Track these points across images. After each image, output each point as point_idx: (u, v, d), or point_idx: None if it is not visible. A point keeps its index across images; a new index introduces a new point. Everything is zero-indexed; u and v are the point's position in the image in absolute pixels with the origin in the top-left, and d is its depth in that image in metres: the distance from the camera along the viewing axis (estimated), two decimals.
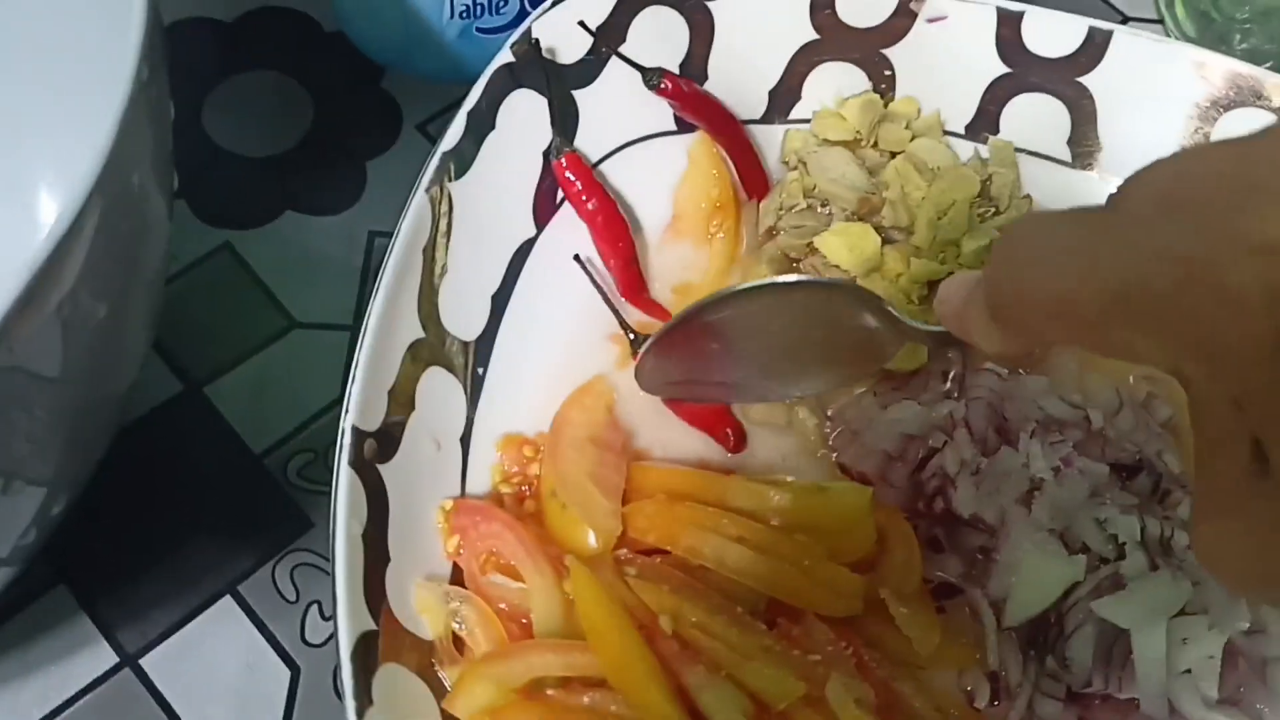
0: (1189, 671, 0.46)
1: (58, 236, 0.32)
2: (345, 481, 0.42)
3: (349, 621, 0.40)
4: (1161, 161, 0.28)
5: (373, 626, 0.41)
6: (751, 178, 0.57)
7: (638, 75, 0.54)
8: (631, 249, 0.53)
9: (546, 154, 0.53)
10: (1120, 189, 0.29)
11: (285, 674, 0.48)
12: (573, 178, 0.53)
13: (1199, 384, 0.27)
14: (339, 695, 0.46)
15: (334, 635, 0.47)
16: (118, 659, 0.47)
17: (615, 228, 0.53)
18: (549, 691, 0.42)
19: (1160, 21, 0.69)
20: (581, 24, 0.53)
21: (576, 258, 0.53)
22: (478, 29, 0.59)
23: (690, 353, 0.48)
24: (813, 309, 0.45)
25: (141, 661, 0.47)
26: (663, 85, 0.54)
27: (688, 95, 0.55)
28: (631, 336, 0.51)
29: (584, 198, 0.53)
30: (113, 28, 0.35)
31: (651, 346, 0.48)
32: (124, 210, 0.36)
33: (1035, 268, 0.29)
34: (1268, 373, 0.24)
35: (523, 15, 0.58)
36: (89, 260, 0.34)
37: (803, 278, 0.48)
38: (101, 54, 0.36)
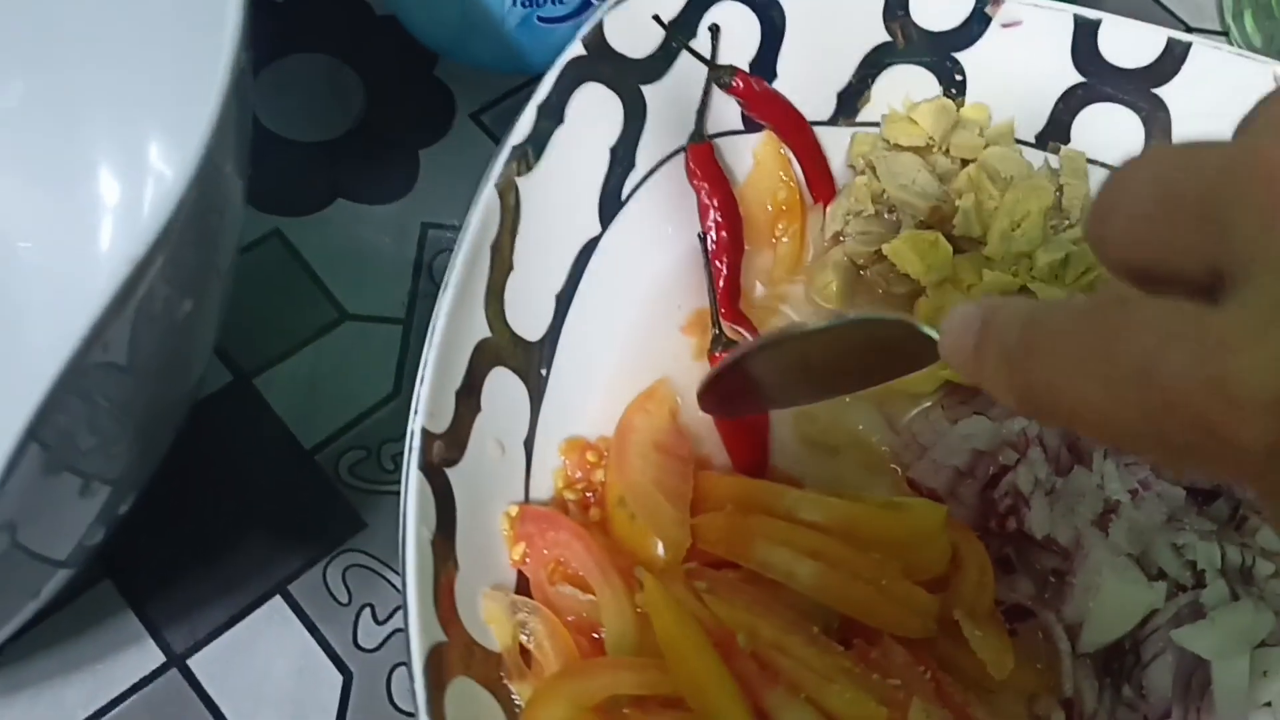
0: (1269, 704, 0.45)
1: (156, 231, 0.30)
2: (415, 486, 0.41)
3: (421, 633, 0.38)
4: (1128, 182, 0.27)
5: (443, 638, 0.39)
6: (818, 181, 0.55)
7: (707, 71, 0.53)
8: (741, 254, 0.52)
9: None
10: (1097, 221, 0.28)
11: (337, 679, 0.46)
12: (699, 169, 0.52)
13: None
14: (394, 703, 0.46)
15: (389, 640, 0.47)
16: (164, 659, 0.46)
17: (734, 229, 0.52)
18: (625, 711, 0.40)
19: (1225, 33, 0.68)
20: (655, 18, 0.51)
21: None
22: (539, 18, 0.57)
23: (745, 383, 0.47)
24: (858, 335, 0.43)
25: (189, 662, 0.46)
26: (733, 84, 0.53)
27: (758, 95, 0.54)
28: (716, 332, 0.50)
29: (707, 193, 0.52)
30: (206, 7, 0.34)
31: (710, 380, 0.46)
32: (211, 203, 0.35)
33: (1067, 388, 0.27)
34: None
35: (585, 6, 0.57)
36: (174, 254, 0.33)
37: (866, 315, 0.47)
38: (191, 32, 0.34)
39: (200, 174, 0.31)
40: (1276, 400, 0.23)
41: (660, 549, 0.45)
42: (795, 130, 0.55)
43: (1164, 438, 0.25)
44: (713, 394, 0.45)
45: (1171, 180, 0.26)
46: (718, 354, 0.49)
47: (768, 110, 0.54)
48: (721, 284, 0.52)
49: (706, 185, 0.53)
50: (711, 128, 0.54)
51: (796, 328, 0.44)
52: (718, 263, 0.53)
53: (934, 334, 0.36)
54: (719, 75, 0.53)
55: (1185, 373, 0.24)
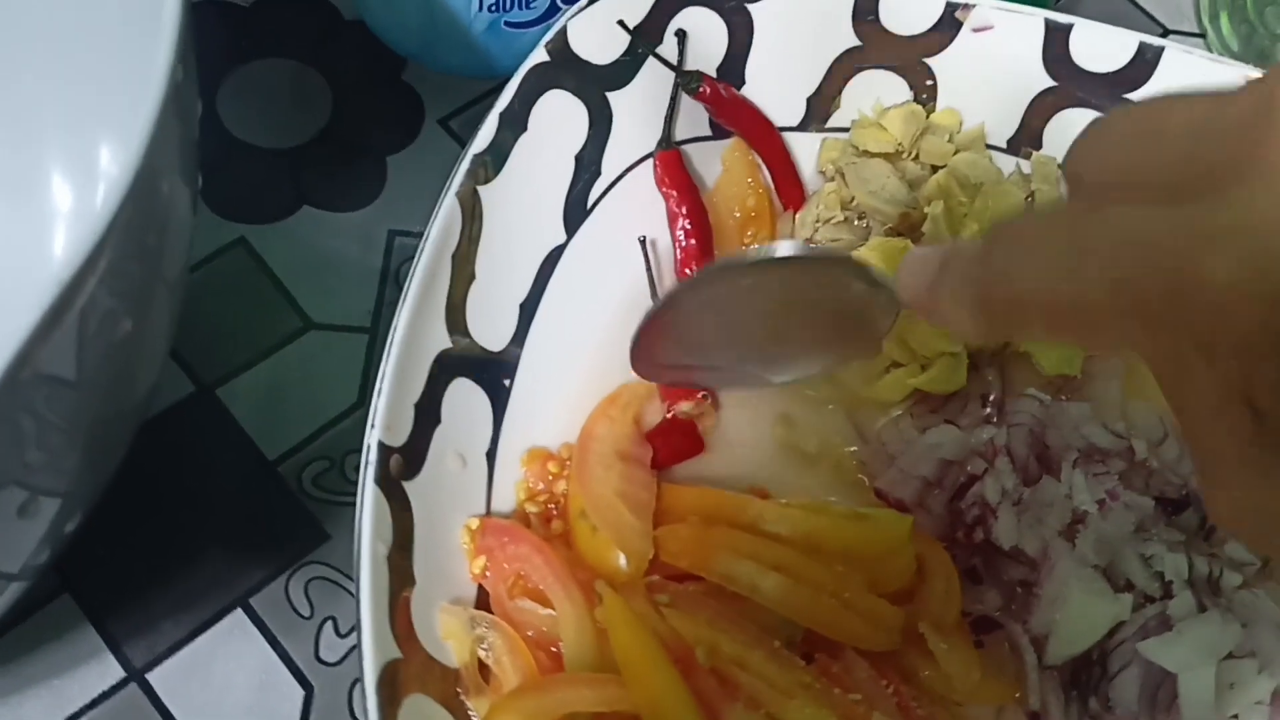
0: (1236, 717, 0.44)
1: (87, 248, 0.30)
2: (370, 500, 0.40)
3: (374, 650, 0.38)
4: (1112, 121, 0.29)
5: (398, 655, 0.39)
6: (787, 187, 0.55)
7: (673, 78, 0.53)
8: (712, 259, 0.52)
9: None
10: (1075, 159, 0.29)
11: (298, 693, 0.46)
12: (668, 177, 0.52)
13: (1197, 369, 0.26)
14: (354, 717, 0.45)
15: (352, 654, 0.46)
16: (124, 674, 0.45)
17: (703, 236, 0.52)
18: None
19: (1203, 35, 0.67)
20: (621, 23, 0.51)
21: (642, 240, 0.52)
22: (506, 23, 0.57)
23: (682, 334, 0.45)
24: (804, 283, 0.42)
25: (149, 676, 0.45)
26: (701, 89, 0.52)
27: (726, 100, 0.53)
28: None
29: (676, 200, 0.52)
30: (146, 23, 0.33)
31: (644, 326, 0.44)
32: (151, 217, 0.34)
33: (1029, 273, 0.28)
34: (1268, 364, 0.24)
35: (553, 10, 0.56)
36: (114, 267, 0.32)
37: (796, 251, 0.45)
38: (135, 50, 0.34)
39: (136, 186, 0.30)
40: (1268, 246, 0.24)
41: (622, 561, 0.44)
42: (764, 136, 0.54)
43: (1131, 309, 0.26)
44: (648, 347, 0.43)
45: (1158, 110, 0.27)
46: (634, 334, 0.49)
47: (736, 116, 0.54)
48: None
49: (675, 192, 0.53)
50: (680, 134, 0.54)
51: (733, 259, 0.42)
52: (687, 270, 0.52)
53: (887, 281, 0.36)
54: (686, 81, 0.53)
55: (1164, 238, 0.25)
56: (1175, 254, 0.25)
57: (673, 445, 0.49)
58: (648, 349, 0.43)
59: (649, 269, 0.52)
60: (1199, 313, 0.25)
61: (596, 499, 0.45)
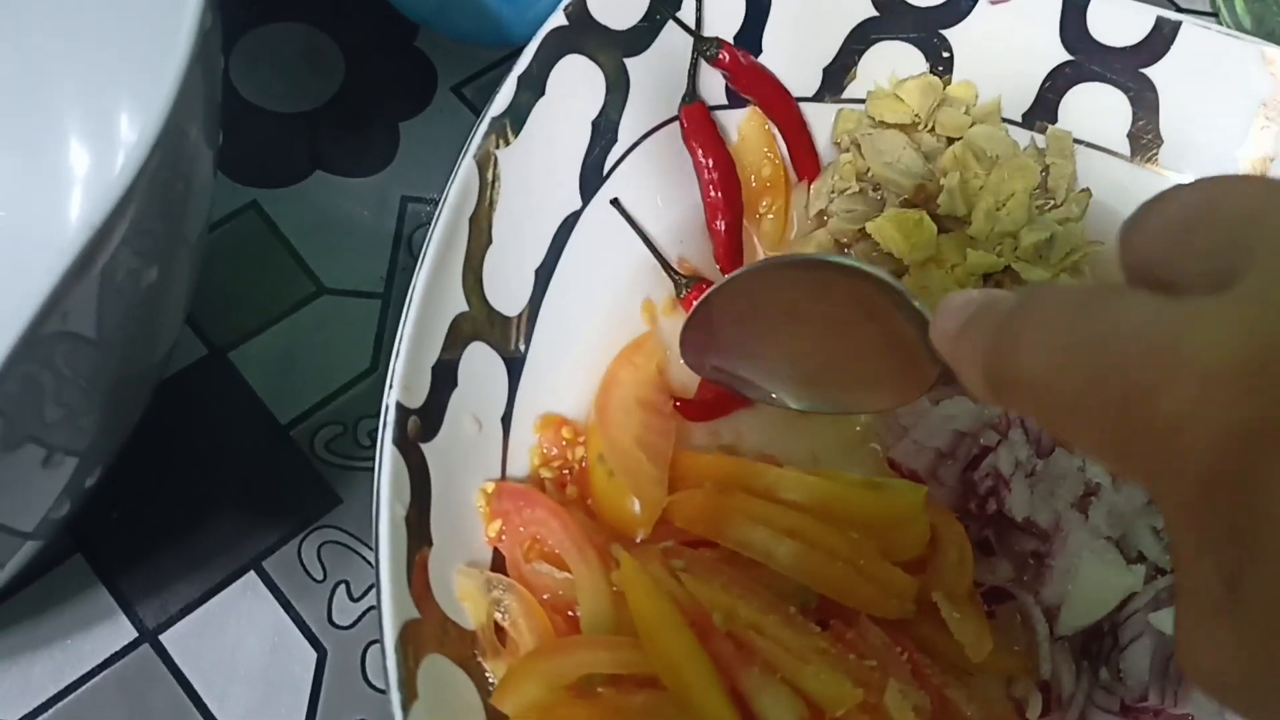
0: None
1: (114, 198, 0.29)
2: (389, 461, 0.40)
3: (394, 610, 0.38)
4: (1169, 196, 0.27)
5: (416, 615, 0.39)
6: (802, 158, 0.55)
7: (691, 44, 0.52)
8: (740, 214, 0.52)
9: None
10: (1127, 234, 0.27)
11: (311, 656, 0.46)
12: (695, 130, 0.52)
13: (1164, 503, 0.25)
14: (368, 680, 0.45)
15: (364, 618, 0.46)
16: (136, 634, 0.45)
17: (731, 189, 0.52)
18: (599, 690, 0.40)
19: (1215, 15, 0.67)
20: None
21: (614, 202, 0.51)
22: None
23: (728, 332, 0.45)
24: (853, 302, 0.42)
25: (162, 637, 0.45)
26: (720, 56, 0.52)
27: (744, 68, 0.53)
28: (676, 277, 0.51)
29: (702, 153, 0.52)
30: None
31: (693, 316, 0.45)
32: (176, 170, 0.34)
33: (1029, 357, 0.27)
34: (1212, 507, 0.23)
35: None
36: (138, 222, 0.32)
37: (849, 261, 0.46)
38: (156, 11, 0.34)
39: (162, 139, 0.30)
40: (1231, 370, 0.22)
41: (636, 506, 0.44)
42: (780, 105, 0.54)
43: (1099, 410, 0.24)
44: (695, 339, 0.43)
45: (1213, 195, 0.26)
46: (684, 296, 0.49)
47: (753, 84, 0.54)
48: (720, 252, 0.53)
49: (701, 146, 0.52)
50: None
51: (778, 258, 0.44)
52: (715, 224, 0.52)
53: (926, 311, 0.35)
54: (705, 47, 0.53)
55: (1139, 334, 0.24)
56: (1132, 383, 0.23)
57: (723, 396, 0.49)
58: (695, 341, 0.43)
59: (635, 228, 0.52)
60: (1147, 452, 0.23)
61: (615, 444, 0.45)
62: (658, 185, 0.52)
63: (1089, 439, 0.25)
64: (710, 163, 0.52)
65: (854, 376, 0.42)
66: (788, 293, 0.43)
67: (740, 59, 0.53)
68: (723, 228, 0.52)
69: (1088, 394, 0.24)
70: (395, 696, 0.36)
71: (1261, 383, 0.22)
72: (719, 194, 0.52)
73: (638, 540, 0.45)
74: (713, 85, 0.54)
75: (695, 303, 0.44)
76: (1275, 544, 0.22)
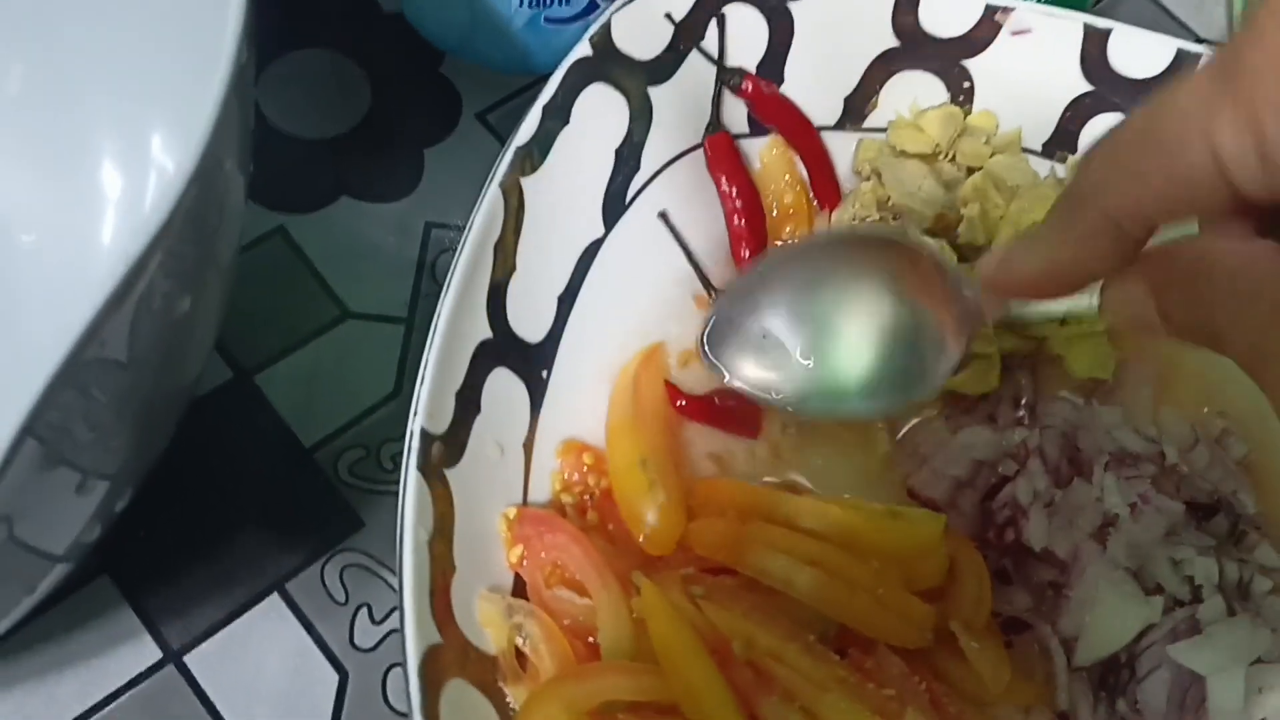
0: None
1: (155, 228, 0.30)
2: (414, 486, 0.40)
3: (417, 634, 0.38)
4: None
5: (439, 639, 0.39)
6: (824, 187, 0.55)
7: (714, 74, 0.53)
8: (765, 241, 0.53)
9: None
10: None
11: (333, 678, 0.46)
12: (719, 159, 0.53)
13: None
14: (389, 704, 0.46)
15: (385, 640, 0.47)
16: (161, 655, 0.46)
17: (755, 217, 0.52)
18: (619, 716, 0.40)
19: None
20: (668, 16, 0.51)
21: (662, 215, 0.52)
22: (546, 19, 0.57)
23: (750, 326, 0.43)
24: (877, 278, 0.42)
25: (186, 658, 0.46)
26: (743, 86, 0.53)
27: (767, 98, 0.54)
28: (714, 294, 0.51)
29: (726, 182, 0.52)
30: (208, 10, 0.34)
31: (718, 307, 0.44)
32: (211, 199, 0.35)
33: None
34: None
35: (592, 7, 0.57)
36: (174, 249, 0.33)
37: (883, 232, 0.45)
38: (194, 24, 0.34)
39: (200, 170, 0.30)
40: None
41: (658, 513, 0.45)
42: (802, 134, 0.55)
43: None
44: (716, 337, 0.43)
45: None
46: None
47: (775, 113, 0.54)
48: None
49: (725, 175, 0.53)
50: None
51: (795, 244, 0.46)
52: (740, 252, 0.53)
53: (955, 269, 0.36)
54: (728, 77, 0.53)
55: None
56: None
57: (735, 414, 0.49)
58: (717, 340, 0.43)
59: (680, 242, 0.52)
60: None
61: (657, 450, 0.46)
62: (681, 213, 0.53)
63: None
64: (734, 191, 0.53)
65: (877, 371, 0.42)
66: (810, 274, 0.42)
67: (763, 88, 0.53)
68: (747, 255, 0.53)
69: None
70: None
71: None
72: (743, 222, 0.53)
73: (658, 558, 0.45)
74: (736, 113, 0.54)
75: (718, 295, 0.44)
76: None
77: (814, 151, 0.55)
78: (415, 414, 0.42)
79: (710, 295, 0.52)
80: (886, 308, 0.41)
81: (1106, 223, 0.32)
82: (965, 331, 0.38)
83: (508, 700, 0.41)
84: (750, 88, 0.53)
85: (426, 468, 0.41)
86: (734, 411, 0.49)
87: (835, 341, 0.42)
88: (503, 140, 0.48)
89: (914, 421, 0.51)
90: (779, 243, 0.54)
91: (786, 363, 0.43)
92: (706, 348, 0.42)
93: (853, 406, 0.43)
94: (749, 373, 0.43)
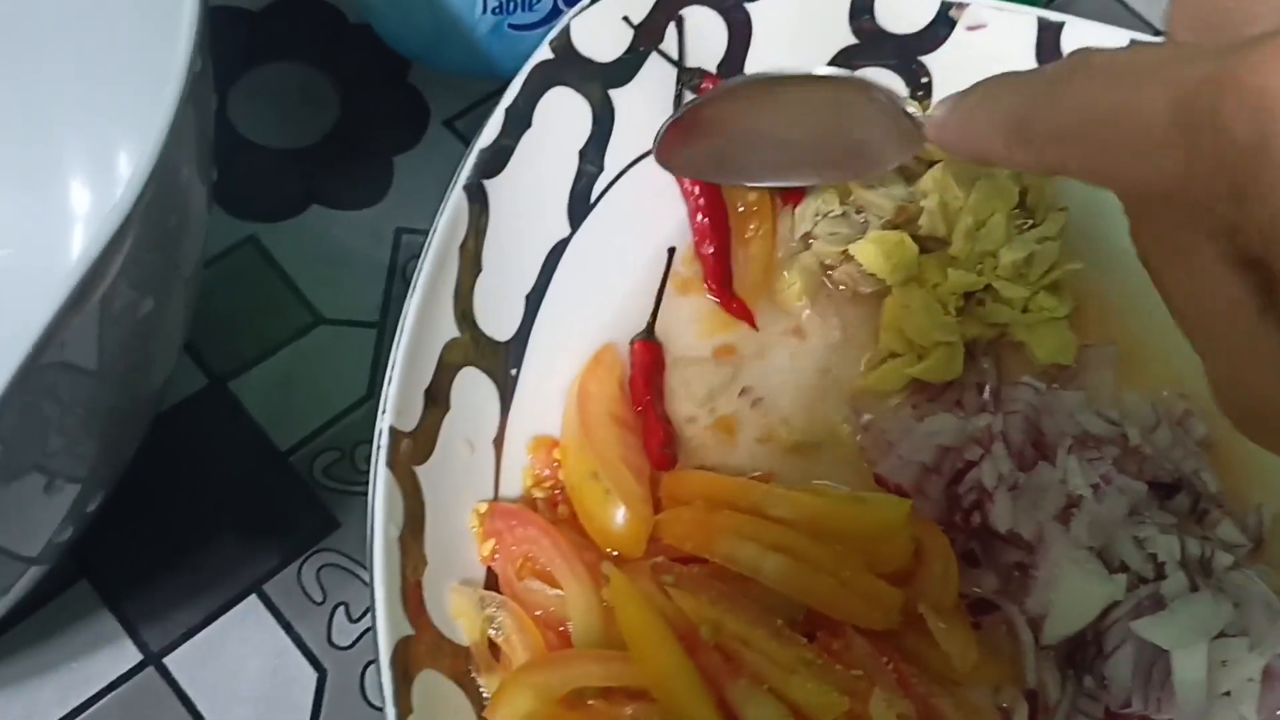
0: (1228, 693, 0.45)
1: (110, 231, 0.31)
2: (383, 483, 0.41)
3: (388, 627, 0.39)
4: None
5: (410, 631, 0.40)
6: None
7: (674, 76, 0.54)
8: (728, 238, 0.53)
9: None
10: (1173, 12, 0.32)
11: (311, 676, 0.47)
12: None
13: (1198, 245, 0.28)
14: (366, 699, 0.46)
15: (363, 638, 0.47)
16: (141, 657, 0.47)
17: (718, 214, 0.53)
18: (590, 702, 0.41)
19: None
20: (626, 19, 0.52)
21: (671, 251, 0.54)
22: (509, 25, 0.58)
23: (705, 133, 0.48)
24: (825, 103, 0.45)
25: (166, 660, 0.47)
26: (702, 87, 0.53)
27: None
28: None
29: (689, 181, 0.53)
30: (166, 15, 0.34)
31: (675, 120, 0.47)
32: (170, 204, 0.35)
33: (1086, 97, 0.30)
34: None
35: (555, 13, 0.58)
36: (133, 254, 0.33)
37: (829, 71, 0.47)
38: (155, 41, 0.35)
39: (155, 174, 0.31)
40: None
41: (621, 520, 0.45)
42: None
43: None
44: (674, 140, 0.45)
45: None
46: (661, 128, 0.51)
47: None
48: (710, 275, 0.54)
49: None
50: None
51: (764, 73, 0.46)
52: (703, 248, 0.54)
53: (916, 110, 0.37)
54: (688, 78, 0.54)
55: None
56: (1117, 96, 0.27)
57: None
58: (672, 143, 0.44)
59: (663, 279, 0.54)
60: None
61: (607, 461, 0.46)
62: (645, 212, 0.53)
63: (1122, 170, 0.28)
64: (697, 190, 0.53)
65: (823, 157, 0.46)
66: (766, 102, 0.45)
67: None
68: (711, 251, 0.54)
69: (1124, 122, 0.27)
70: (390, 712, 0.38)
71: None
72: (706, 219, 0.53)
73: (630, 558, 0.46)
74: None
75: (677, 111, 0.46)
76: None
77: None
78: (383, 412, 0.42)
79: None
80: (827, 123, 0.44)
81: (1052, 166, 0.32)
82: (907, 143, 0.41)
83: (481, 689, 0.42)
84: (709, 88, 0.54)
85: (395, 464, 0.42)
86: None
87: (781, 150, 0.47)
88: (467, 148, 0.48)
89: (879, 409, 0.52)
90: (751, 277, 0.55)
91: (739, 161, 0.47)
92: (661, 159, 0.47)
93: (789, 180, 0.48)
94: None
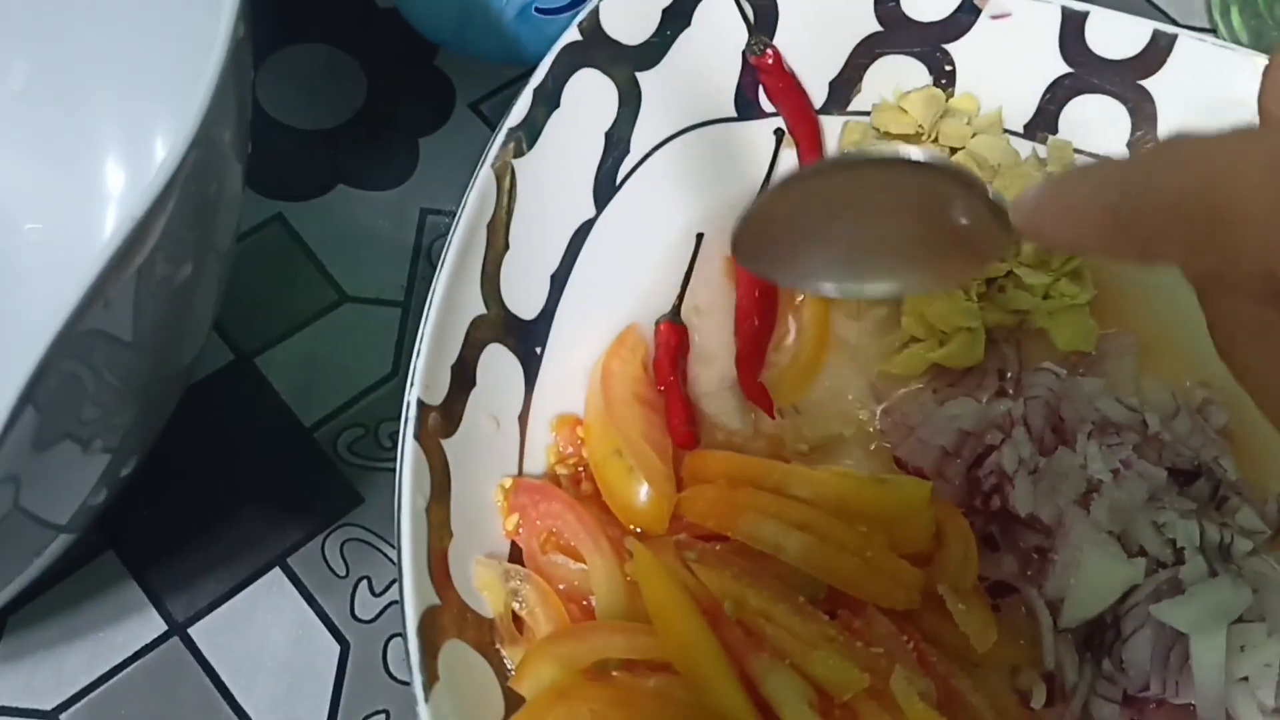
0: (1246, 679, 0.45)
1: (152, 197, 0.31)
2: (410, 455, 0.42)
3: (414, 596, 0.39)
4: None
5: (436, 601, 0.40)
6: None
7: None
8: (773, 327, 0.53)
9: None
10: (1266, 91, 0.33)
11: (335, 649, 0.47)
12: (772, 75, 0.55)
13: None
14: (389, 672, 0.47)
15: (385, 612, 0.48)
16: (166, 627, 0.47)
17: (769, 298, 0.53)
18: (614, 673, 0.41)
19: (1213, 30, 0.69)
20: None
21: (699, 236, 0.54)
22: (536, 9, 0.58)
23: (783, 227, 0.44)
24: (911, 193, 0.43)
25: (190, 631, 0.47)
26: (765, 54, 0.54)
27: (781, 72, 0.55)
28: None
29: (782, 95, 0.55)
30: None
31: (752, 213, 0.45)
32: (210, 174, 0.36)
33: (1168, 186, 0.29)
34: None
35: None
36: (172, 224, 0.34)
37: (921, 156, 0.46)
38: (193, 15, 0.36)
39: (198, 139, 0.32)
40: None
41: (644, 497, 0.46)
42: (803, 115, 0.56)
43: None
44: (751, 241, 0.44)
45: None
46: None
47: (785, 90, 0.55)
48: (742, 349, 0.53)
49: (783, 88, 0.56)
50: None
51: (841, 156, 0.46)
52: (746, 323, 0.53)
53: (1003, 201, 0.36)
54: (753, 44, 0.54)
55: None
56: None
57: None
58: (749, 236, 0.43)
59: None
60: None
61: (630, 439, 0.46)
62: (670, 194, 0.54)
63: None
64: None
65: (909, 256, 0.42)
66: (838, 191, 0.43)
67: (782, 62, 0.55)
68: (750, 329, 0.53)
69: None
70: (417, 678, 0.38)
71: None
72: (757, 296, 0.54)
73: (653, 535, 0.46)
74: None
75: (752, 203, 0.44)
76: None
77: (809, 133, 0.56)
78: (411, 386, 0.43)
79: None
80: (909, 221, 0.42)
81: (1154, 255, 0.32)
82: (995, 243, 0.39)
83: (505, 660, 0.42)
84: (771, 57, 0.54)
85: (423, 437, 0.42)
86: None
87: (857, 248, 0.42)
88: (495, 128, 0.49)
89: (900, 393, 0.52)
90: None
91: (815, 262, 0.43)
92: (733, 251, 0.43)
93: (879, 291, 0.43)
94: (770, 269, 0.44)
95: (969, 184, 0.37)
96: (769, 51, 0.54)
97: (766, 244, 0.42)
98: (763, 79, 0.56)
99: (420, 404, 0.43)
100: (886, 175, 0.39)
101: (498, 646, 0.42)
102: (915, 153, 0.37)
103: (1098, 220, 0.31)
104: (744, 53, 0.55)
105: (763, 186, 0.54)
